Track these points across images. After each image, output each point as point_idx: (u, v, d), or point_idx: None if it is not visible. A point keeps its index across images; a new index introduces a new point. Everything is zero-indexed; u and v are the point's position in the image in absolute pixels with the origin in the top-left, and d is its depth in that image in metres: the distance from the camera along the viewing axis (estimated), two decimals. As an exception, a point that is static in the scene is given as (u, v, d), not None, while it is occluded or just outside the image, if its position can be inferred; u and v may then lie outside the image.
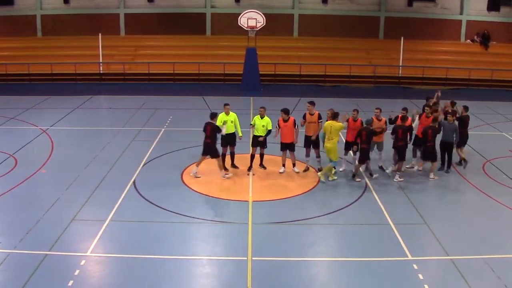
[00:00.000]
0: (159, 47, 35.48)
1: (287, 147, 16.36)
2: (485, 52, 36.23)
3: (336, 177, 16.04)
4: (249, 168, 16.52)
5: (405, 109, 16.83)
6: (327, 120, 15.99)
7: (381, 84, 33.54)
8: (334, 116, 15.84)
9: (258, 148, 16.53)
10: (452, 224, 13.37)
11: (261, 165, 16.84)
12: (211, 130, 15.71)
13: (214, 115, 16.01)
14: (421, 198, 14.89)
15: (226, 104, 16.57)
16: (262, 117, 16.38)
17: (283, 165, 16.60)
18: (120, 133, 21.01)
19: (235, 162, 16.84)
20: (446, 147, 16.79)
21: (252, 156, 16.57)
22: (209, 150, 15.83)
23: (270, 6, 36.33)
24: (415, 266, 11.04)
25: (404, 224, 13.05)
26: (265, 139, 16.40)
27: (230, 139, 16.45)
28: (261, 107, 16.74)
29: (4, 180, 15.52)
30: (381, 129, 16.22)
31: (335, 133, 15.68)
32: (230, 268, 11.06)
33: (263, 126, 16.27)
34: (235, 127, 16.49)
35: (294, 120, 16.25)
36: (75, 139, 20.40)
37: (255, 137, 16.35)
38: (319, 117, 16.25)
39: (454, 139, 16.75)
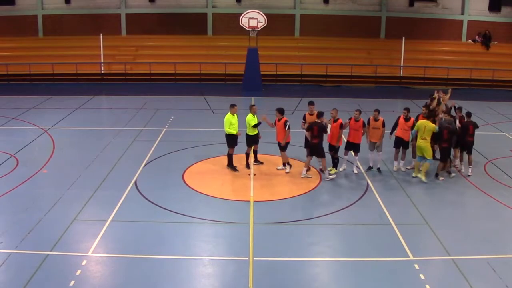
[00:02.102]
0: (160, 47, 35.48)
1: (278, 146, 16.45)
2: (486, 52, 36.21)
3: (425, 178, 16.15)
4: (247, 165, 16.71)
5: (406, 109, 16.82)
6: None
7: (382, 84, 33.56)
8: (429, 115, 16.10)
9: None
10: (453, 224, 13.35)
11: (256, 160, 16.89)
12: (318, 130, 15.65)
13: (321, 115, 15.91)
14: (422, 198, 14.89)
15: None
16: (254, 115, 16.54)
17: (284, 164, 16.63)
18: (121, 133, 21.01)
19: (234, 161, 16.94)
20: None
21: (247, 155, 16.78)
22: (315, 150, 15.80)
23: (271, 6, 36.34)
24: (416, 266, 11.03)
25: (405, 224, 13.04)
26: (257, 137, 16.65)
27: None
28: (253, 105, 16.84)
29: (6, 180, 15.53)
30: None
31: (427, 133, 15.76)
32: (231, 268, 11.05)
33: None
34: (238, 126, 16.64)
35: (285, 121, 16.17)
36: (76, 139, 20.40)
37: (249, 136, 16.56)
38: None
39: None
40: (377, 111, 16.61)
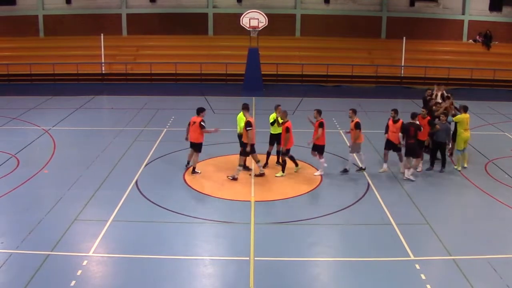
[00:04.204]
0: (161, 47, 35.48)
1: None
2: (487, 52, 36.20)
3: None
4: (265, 165, 16.69)
5: (394, 110, 16.63)
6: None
7: (383, 84, 33.54)
8: (466, 109, 16.96)
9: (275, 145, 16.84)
10: (454, 224, 13.37)
11: (278, 162, 16.89)
12: (415, 130, 15.88)
13: (415, 115, 16.14)
14: (423, 198, 14.87)
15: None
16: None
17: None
18: (122, 133, 21.02)
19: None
20: (439, 146, 16.77)
21: (268, 154, 16.85)
22: (412, 151, 15.98)
23: (272, 6, 36.34)
24: (417, 266, 11.04)
25: (406, 224, 13.04)
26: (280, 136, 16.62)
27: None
28: (279, 105, 16.80)
29: (6, 181, 15.54)
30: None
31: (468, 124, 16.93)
32: (232, 268, 11.06)
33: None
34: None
35: (200, 122, 16.11)
36: (77, 139, 20.41)
37: (272, 135, 16.60)
38: (246, 125, 15.60)
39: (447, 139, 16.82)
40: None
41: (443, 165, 16.89)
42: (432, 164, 16.92)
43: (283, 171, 16.26)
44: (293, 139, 16.16)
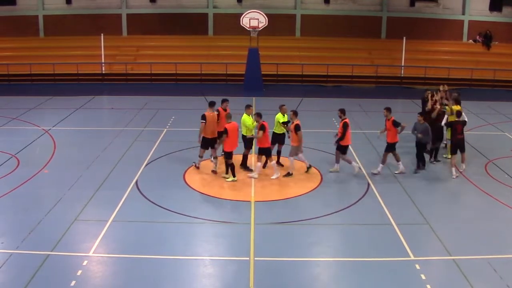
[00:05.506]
0: (161, 47, 35.47)
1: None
2: (487, 52, 36.17)
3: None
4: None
5: (340, 110, 16.56)
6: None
7: (383, 84, 33.51)
8: (457, 101, 17.60)
9: (276, 145, 16.82)
10: (454, 224, 13.35)
11: (278, 162, 16.87)
12: (462, 127, 16.56)
13: (459, 114, 16.76)
14: (423, 198, 14.87)
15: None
16: (283, 114, 16.61)
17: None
18: (122, 133, 21.01)
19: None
20: (421, 147, 16.72)
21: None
22: (461, 146, 16.66)
23: (272, 6, 36.32)
24: (417, 266, 11.04)
25: (406, 224, 13.04)
26: (284, 136, 16.70)
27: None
28: (283, 105, 16.98)
29: (6, 181, 15.55)
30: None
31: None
32: (232, 268, 11.06)
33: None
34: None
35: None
36: (77, 139, 20.42)
37: (275, 134, 16.60)
38: (201, 117, 16.23)
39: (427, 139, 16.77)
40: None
41: (418, 166, 16.83)
42: (418, 166, 16.86)
43: (233, 175, 15.79)
44: (236, 142, 15.93)
